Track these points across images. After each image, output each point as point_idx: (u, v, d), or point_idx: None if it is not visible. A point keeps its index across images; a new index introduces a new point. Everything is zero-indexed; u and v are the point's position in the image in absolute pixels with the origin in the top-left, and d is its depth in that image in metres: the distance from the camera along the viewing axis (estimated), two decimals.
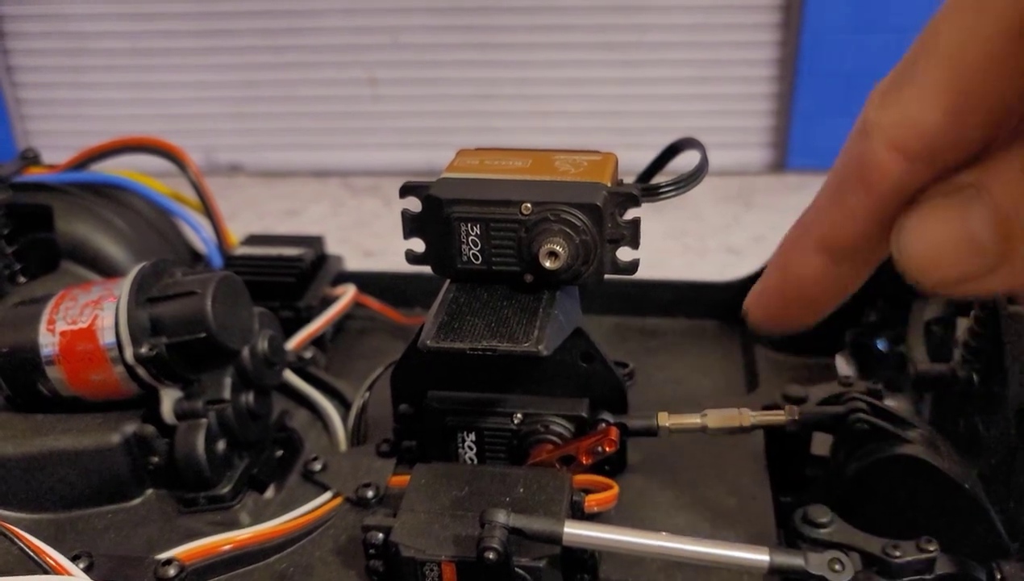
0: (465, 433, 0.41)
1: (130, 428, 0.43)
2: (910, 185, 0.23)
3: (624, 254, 0.39)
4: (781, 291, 0.27)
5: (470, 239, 0.38)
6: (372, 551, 0.36)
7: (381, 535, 0.36)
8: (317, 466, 0.44)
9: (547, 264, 0.37)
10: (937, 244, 0.23)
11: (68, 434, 0.42)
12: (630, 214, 0.38)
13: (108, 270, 0.57)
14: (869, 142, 0.23)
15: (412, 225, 0.40)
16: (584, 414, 0.41)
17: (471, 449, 0.42)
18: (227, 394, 0.43)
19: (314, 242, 0.60)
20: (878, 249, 0.25)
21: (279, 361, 0.47)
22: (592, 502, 0.38)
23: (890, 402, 0.42)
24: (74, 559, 0.37)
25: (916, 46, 0.22)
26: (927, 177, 0.23)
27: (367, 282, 0.61)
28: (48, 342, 0.42)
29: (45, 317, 0.43)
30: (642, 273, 0.41)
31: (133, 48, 2.53)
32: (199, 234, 0.61)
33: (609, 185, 0.39)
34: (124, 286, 0.42)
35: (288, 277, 0.56)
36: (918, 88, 0.22)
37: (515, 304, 0.38)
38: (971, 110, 0.21)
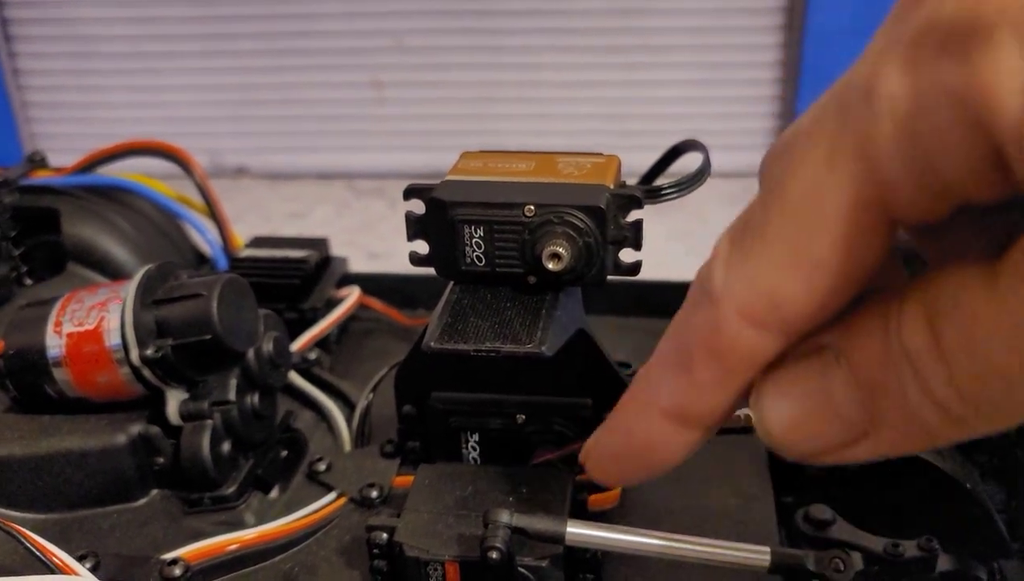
0: (469, 434, 0.42)
1: (136, 429, 0.43)
2: (765, 354, 0.21)
3: (627, 255, 0.39)
4: (624, 454, 0.25)
5: (474, 241, 0.39)
6: (376, 551, 0.36)
7: (385, 535, 0.36)
8: (321, 467, 0.45)
9: (550, 266, 0.37)
10: (797, 413, 0.21)
11: (74, 435, 0.43)
12: (633, 216, 0.38)
13: (114, 272, 0.57)
14: (717, 311, 0.21)
15: (416, 227, 0.40)
16: (587, 414, 0.41)
17: (475, 449, 0.42)
18: (232, 395, 0.44)
19: (319, 244, 0.60)
20: (733, 410, 0.23)
21: (284, 362, 0.48)
22: (595, 502, 0.38)
23: None
24: (80, 559, 0.37)
25: (761, 203, 0.21)
26: (784, 345, 0.21)
27: (371, 284, 0.61)
28: (55, 344, 0.43)
29: (52, 319, 0.43)
30: (645, 274, 0.41)
31: (139, 51, 2.54)
32: (204, 236, 0.61)
33: (612, 187, 0.39)
34: (130, 288, 0.43)
35: (293, 279, 0.56)
36: (768, 254, 0.20)
37: (518, 306, 0.38)
38: (828, 282, 0.19)
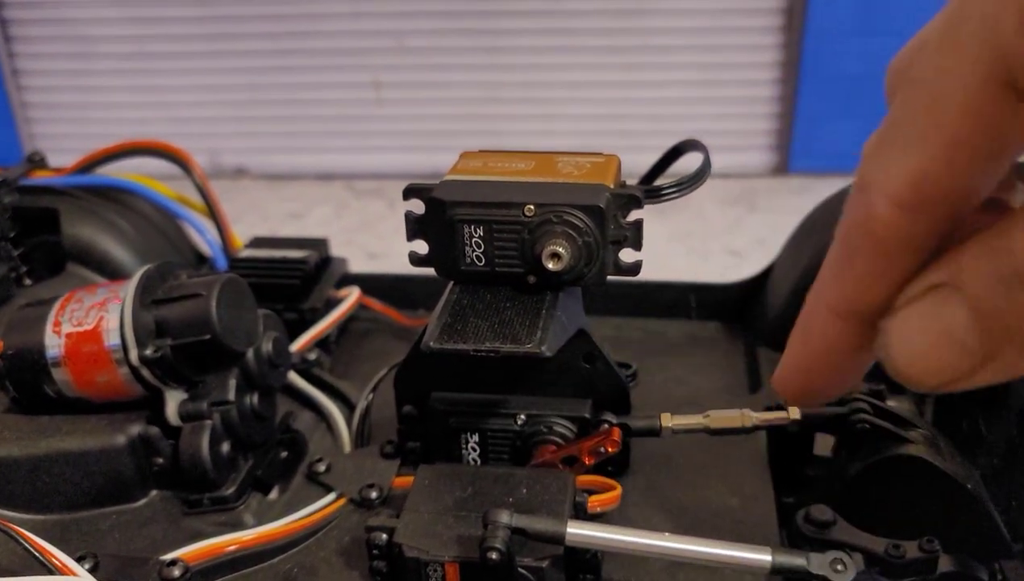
0: (469, 434, 0.41)
1: (135, 429, 0.43)
2: (915, 238, 0.23)
3: (626, 255, 0.39)
4: (806, 364, 0.26)
5: (473, 241, 0.39)
6: (376, 552, 0.36)
7: (385, 536, 0.36)
8: (321, 467, 0.45)
9: (550, 265, 0.37)
10: (921, 349, 0.23)
11: (73, 435, 0.43)
12: (632, 216, 0.38)
13: (113, 272, 0.57)
14: (868, 197, 0.23)
15: (416, 227, 0.40)
16: (587, 415, 0.41)
17: (475, 450, 0.42)
18: (231, 396, 0.43)
19: (318, 244, 0.60)
20: (889, 299, 0.24)
21: (283, 363, 0.48)
22: (595, 503, 0.38)
23: (892, 403, 0.42)
24: (79, 560, 0.37)
25: (899, 101, 0.22)
26: (932, 229, 0.22)
27: (371, 284, 0.61)
28: (54, 344, 0.43)
29: (51, 319, 0.43)
30: (645, 275, 0.41)
31: (138, 52, 2.54)
32: (204, 237, 0.61)
33: (612, 187, 0.39)
34: (129, 288, 0.43)
35: (292, 279, 0.56)
36: (908, 139, 0.22)
37: (518, 305, 0.38)
38: (960, 159, 0.21)
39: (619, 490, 0.39)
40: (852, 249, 0.24)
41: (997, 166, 0.21)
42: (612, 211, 0.38)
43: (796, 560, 0.33)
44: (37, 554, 0.36)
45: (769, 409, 0.42)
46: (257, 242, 0.61)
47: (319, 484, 0.44)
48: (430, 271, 0.41)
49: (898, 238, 0.23)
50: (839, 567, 0.33)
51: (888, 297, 0.24)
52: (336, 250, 0.62)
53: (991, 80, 0.20)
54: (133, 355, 0.42)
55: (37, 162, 0.61)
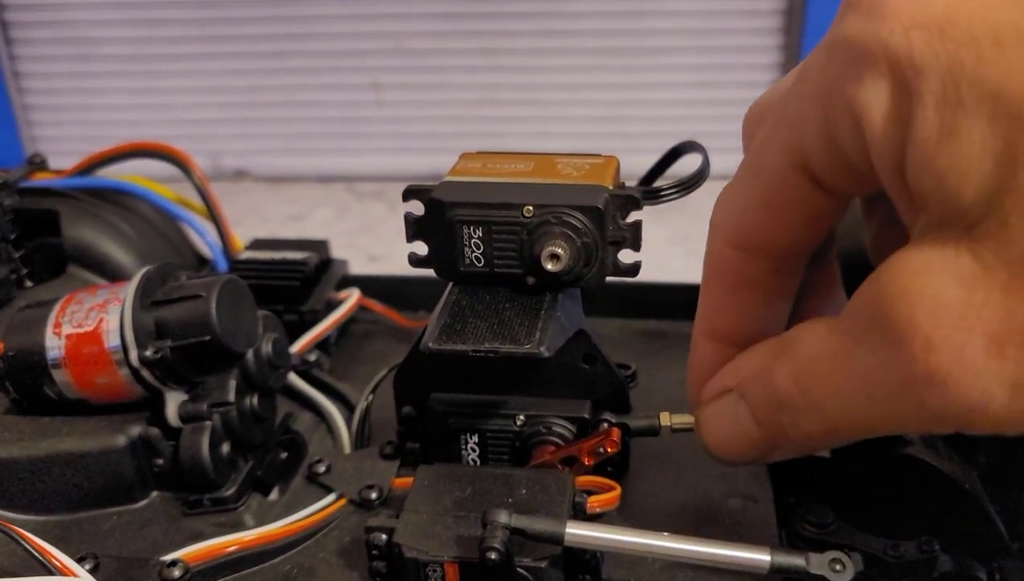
0: (468, 435, 0.42)
1: (135, 430, 0.43)
2: (751, 275, 0.27)
3: (626, 256, 0.39)
4: (693, 376, 0.32)
5: (472, 242, 0.39)
6: (375, 552, 0.36)
7: (384, 536, 0.36)
8: (321, 468, 0.45)
9: (549, 266, 0.37)
10: (720, 437, 0.29)
11: (73, 436, 0.43)
12: (632, 217, 0.38)
13: (114, 274, 0.57)
14: (712, 239, 0.28)
15: (415, 228, 0.40)
16: (586, 415, 0.41)
17: (474, 451, 0.42)
18: (231, 397, 0.44)
19: (319, 246, 0.60)
20: (752, 332, 0.29)
21: (283, 364, 0.48)
22: (594, 503, 0.38)
23: None
24: (80, 560, 0.37)
25: (746, 146, 0.28)
26: (767, 269, 0.27)
27: (371, 286, 0.61)
28: (54, 345, 0.43)
29: (51, 320, 0.43)
30: (644, 276, 0.41)
31: (139, 54, 2.54)
32: (204, 238, 0.61)
33: (611, 188, 0.39)
34: (129, 290, 0.43)
35: (292, 281, 0.56)
36: (734, 190, 0.27)
37: (517, 306, 0.38)
38: (771, 213, 0.26)
39: (618, 490, 0.39)
40: (707, 283, 0.29)
41: (811, 231, 0.26)
42: (611, 212, 0.38)
43: (795, 560, 0.33)
44: (37, 555, 0.36)
45: None
46: (257, 244, 0.61)
47: (319, 485, 0.44)
48: (430, 273, 0.41)
49: (735, 273, 0.27)
50: (838, 567, 0.33)
51: (735, 324, 0.29)
52: (336, 252, 0.63)
53: (793, 165, 0.24)
54: (133, 356, 0.42)
55: (38, 164, 0.61)
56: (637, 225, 0.38)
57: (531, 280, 0.39)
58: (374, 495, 0.42)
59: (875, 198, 0.28)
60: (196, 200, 0.62)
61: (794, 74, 0.25)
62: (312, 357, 0.54)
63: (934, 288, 0.20)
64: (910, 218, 0.22)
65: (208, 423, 0.43)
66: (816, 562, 0.33)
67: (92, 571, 0.37)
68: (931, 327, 0.20)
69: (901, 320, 0.20)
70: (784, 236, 0.26)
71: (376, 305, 0.60)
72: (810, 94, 0.23)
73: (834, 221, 0.26)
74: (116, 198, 0.61)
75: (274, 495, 0.45)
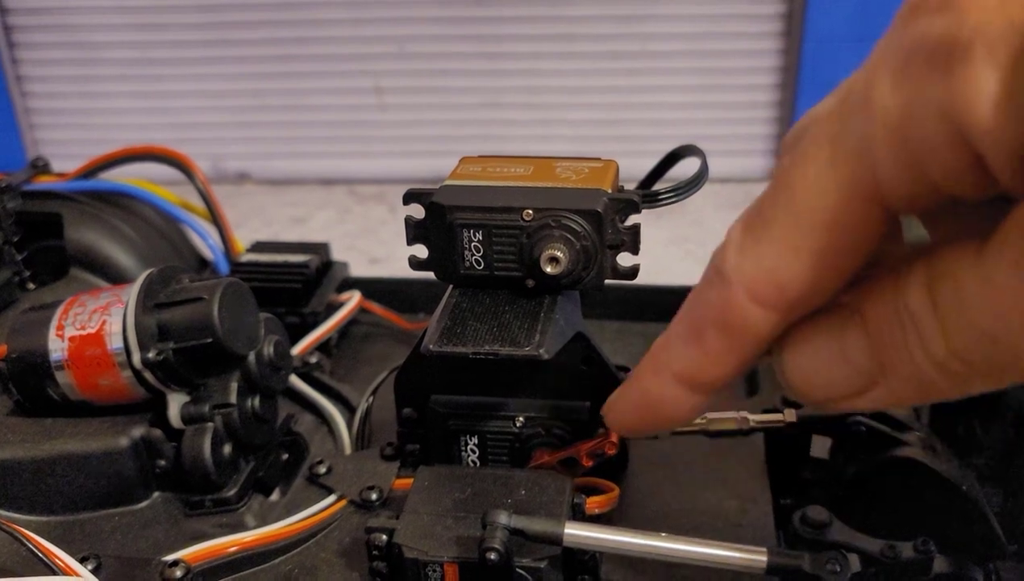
0: (468, 436, 0.42)
1: (138, 432, 0.43)
2: (769, 330, 0.24)
3: (624, 260, 0.40)
4: (640, 410, 0.28)
5: (472, 245, 0.39)
6: (376, 553, 0.36)
7: (384, 537, 0.36)
8: (322, 469, 0.45)
9: (548, 269, 0.38)
10: (816, 364, 0.24)
11: (76, 438, 0.43)
12: (630, 220, 0.39)
13: (116, 277, 0.57)
14: (728, 291, 0.24)
15: (415, 231, 0.40)
16: (585, 417, 0.41)
17: (473, 452, 0.42)
18: (233, 398, 0.44)
19: (320, 249, 0.61)
20: (736, 377, 0.26)
21: (285, 366, 0.48)
22: (593, 504, 0.39)
23: None
24: (82, 561, 0.38)
25: (772, 194, 0.23)
26: (788, 322, 0.24)
27: (372, 288, 0.61)
28: (57, 347, 0.43)
29: (54, 323, 0.44)
30: (643, 279, 0.41)
31: (141, 58, 2.55)
32: (206, 241, 0.62)
33: (610, 191, 0.39)
34: (132, 292, 0.43)
35: (294, 283, 0.57)
36: (776, 242, 0.23)
37: (517, 309, 0.39)
38: (828, 265, 0.22)
39: (617, 492, 0.40)
40: (703, 330, 0.25)
41: (860, 264, 0.23)
42: (610, 216, 0.38)
43: (792, 561, 0.33)
44: (40, 555, 0.37)
45: (767, 412, 0.43)
46: (259, 246, 0.62)
47: (320, 486, 0.45)
48: (430, 275, 0.41)
49: (750, 329, 0.24)
50: (835, 568, 0.33)
51: (730, 374, 0.25)
52: (337, 254, 0.63)
53: (861, 198, 0.21)
54: (136, 358, 0.42)
55: (41, 167, 0.62)
56: (636, 228, 0.39)
57: (531, 283, 0.39)
58: (374, 496, 0.42)
59: (936, 214, 0.25)
60: (198, 203, 0.62)
61: (839, 96, 0.22)
62: (313, 359, 0.54)
63: None
64: None
65: (210, 424, 0.43)
66: (813, 563, 0.33)
67: (94, 571, 0.37)
68: None
69: None
70: (834, 283, 0.23)
71: (377, 307, 0.61)
72: (880, 116, 0.20)
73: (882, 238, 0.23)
74: (118, 201, 0.61)
75: (275, 496, 0.45)
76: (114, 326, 0.43)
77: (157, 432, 0.43)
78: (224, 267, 0.60)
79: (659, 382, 0.27)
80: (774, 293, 0.23)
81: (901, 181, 0.20)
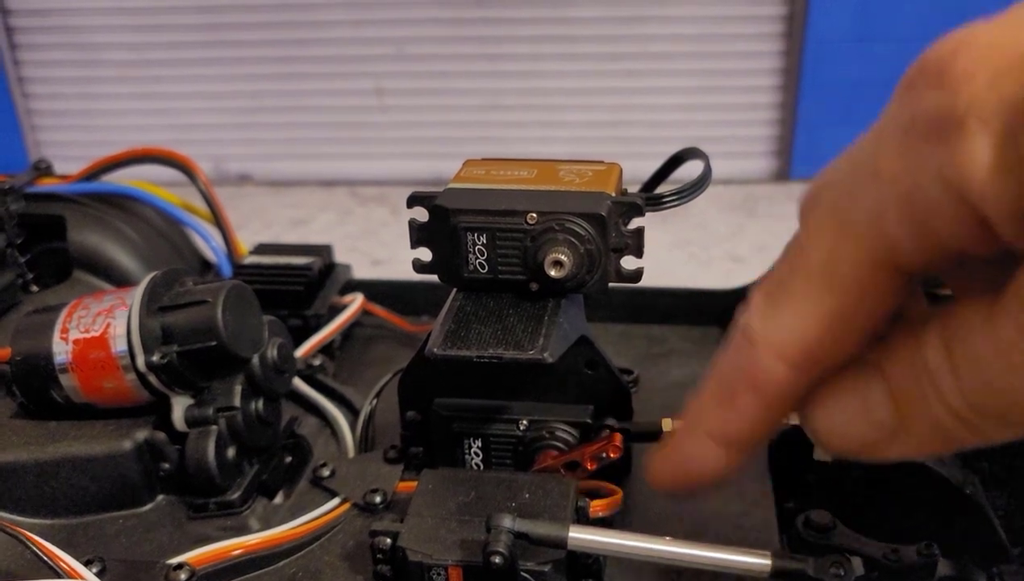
0: (471, 439, 0.42)
1: (142, 435, 0.43)
2: (797, 388, 0.25)
3: (628, 263, 0.40)
4: (676, 467, 0.29)
5: (476, 248, 0.39)
6: (380, 556, 0.36)
7: (389, 540, 0.36)
8: (326, 472, 0.45)
9: (552, 273, 0.38)
10: (842, 417, 0.25)
11: (81, 440, 0.43)
12: (634, 223, 0.39)
13: (120, 279, 0.57)
14: (755, 352, 0.25)
15: (419, 234, 0.40)
16: (589, 420, 0.41)
17: (477, 455, 0.42)
18: (237, 401, 0.44)
19: (322, 251, 0.61)
20: (768, 434, 0.27)
21: (288, 369, 0.48)
22: (597, 507, 0.39)
23: None
24: (87, 563, 0.38)
25: (788, 260, 0.25)
26: (814, 379, 0.25)
27: (375, 290, 0.61)
28: (61, 350, 0.43)
29: (58, 325, 0.44)
30: (647, 281, 0.41)
31: (143, 59, 2.55)
32: (209, 243, 0.62)
33: (613, 195, 0.39)
34: (136, 295, 0.43)
35: (297, 286, 0.57)
36: (796, 305, 0.24)
37: (521, 312, 0.39)
38: (847, 327, 0.24)
39: (621, 495, 0.40)
40: (733, 390, 0.26)
41: (879, 322, 0.24)
42: (614, 219, 0.38)
43: (796, 564, 0.33)
44: (45, 558, 0.37)
45: None
46: (261, 249, 0.62)
47: (323, 489, 0.45)
48: (434, 278, 0.41)
49: (779, 388, 0.25)
50: (838, 571, 0.33)
51: (763, 431, 0.27)
52: (340, 256, 0.63)
53: (878, 264, 0.23)
54: (140, 361, 0.42)
55: (43, 169, 0.62)
56: (639, 232, 0.39)
57: (534, 286, 0.39)
58: (378, 499, 0.42)
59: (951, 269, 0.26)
60: (201, 205, 0.62)
61: (848, 164, 0.24)
62: (317, 362, 0.54)
63: None
64: None
65: (214, 427, 0.43)
66: (817, 566, 0.33)
67: (99, 574, 0.37)
68: None
69: None
70: (855, 343, 0.24)
71: (380, 310, 0.61)
72: (890, 187, 0.22)
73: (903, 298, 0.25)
74: (121, 203, 0.61)
75: (279, 499, 0.45)
76: (118, 329, 0.43)
77: (161, 435, 0.43)
78: (227, 269, 0.60)
79: (693, 441, 0.28)
80: (800, 354, 0.24)
81: (913, 244, 0.22)
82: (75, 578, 0.36)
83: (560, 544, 0.34)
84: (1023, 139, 0.19)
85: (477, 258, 0.39)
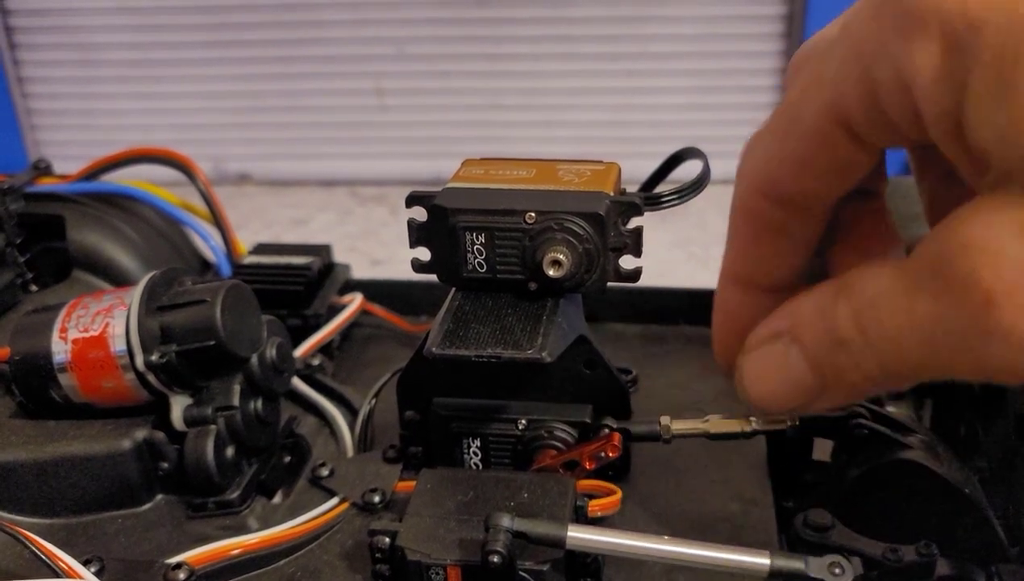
0: (470, 439, 0.42)
1: (141, 434, 0.43)
2: (777, 222, 0.27)
3: (627, 262, 0.40)
4: (722, 327, 0.31)
5: (475, 248, 0.39)
6: (378, 555, 0.37)
7: (387, 539, 0.36)
8: (324, 472, 0.45)
9: (551, 272, 0.38)
10: (769, 386, 0.27)
11: (80, 440, 0.43)
12: (632, 223, 0.39)
13: (119, 279, 0.57)
14: (738, 184, 0.28)
15: (418, 234, 0.40)
16: (587, 420, 0.41)
17: (476, 455, 0.42)
18: (236, 401, 0.44)
19: (322, 251, 0.61)
20: (775, 277, 0.29)
21: (287, 368, 0.48)
22: (595, 507, 0.39)
23: (890, 408, 0.43)
24: (85, 563, 0.38)
25: (775, 107, 0.27)
26: (794, 218, 0.27)
27: (374, 290, 0.61)
28: (60, 349, 0.43)
29: (57, 325, 0.44)
30: (645, 281, 0.41)
31: (142, 59, 2.55)
32: (208, 243, 0.62)
33: (612, 194, 0.39)
34: (135, 294, 0.43)
35: (296, 285, 0.57)
36: (765, 141, 0.27)
37: (519, 312, 0.39)
38: (804, 169, 0.26)
39: (619, 494, 0.40)
40: (733, 227, 0.29)
41: (843, 182, 0.26)
42: (612, 218, 0.38)
43: (794, 564, 0.33)
44: (44, 557, 0.37)
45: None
46: (261, 248, 0.62)
47: (322, 488, 0.45)
48: (433, 278, 0.41)
49: (763, 219, 0.27)
50: (837, 571, 0.33)
51: (761, 268, 0.29)
52: (339, 256, 0.63)
53: (832, 121, 0.24)
54: (139, 361, 0.42)
55: (43, 169, 0.62)
56: (638, 231, 0.39)
57: (533, 286, 0.39)
58: (377, 498, 0.43)
59: (926, 156, 0.28)
60: (200, 204, 0.62)
61: (838, 25, 0.25)
62: (316, 361, 0.54)
63: (996, 243, 0.20)
64: (972, 177, 0.22)
65: (213, 427, 0.43)
66: (815, 566, 0.33)
67: (98, 574, 0.38)
68: (993, 281, 0.20)
69: (962, 274, 0.20)
70: (816, 187, 0.26)
71: (379, 309, 0.61)
72: (853, 54, 0.23)
73: (868, 171, 0.26)
74: (121, 203, 0.61)
75: (278, 498, 0.45)
76: (117, 329, 0.43)
77: (160, 434, 0.43)
78: (226, 269, 0.60)
79: (723, 291, 0.30)
80: (768, 185, 0.26)
81: (862, 111, 0.23)
82: (74, 578, 0.36)
83: (559, 543, 0.34)
84: (969, 56, 0.20)
85: (476, 258, 0.39)
